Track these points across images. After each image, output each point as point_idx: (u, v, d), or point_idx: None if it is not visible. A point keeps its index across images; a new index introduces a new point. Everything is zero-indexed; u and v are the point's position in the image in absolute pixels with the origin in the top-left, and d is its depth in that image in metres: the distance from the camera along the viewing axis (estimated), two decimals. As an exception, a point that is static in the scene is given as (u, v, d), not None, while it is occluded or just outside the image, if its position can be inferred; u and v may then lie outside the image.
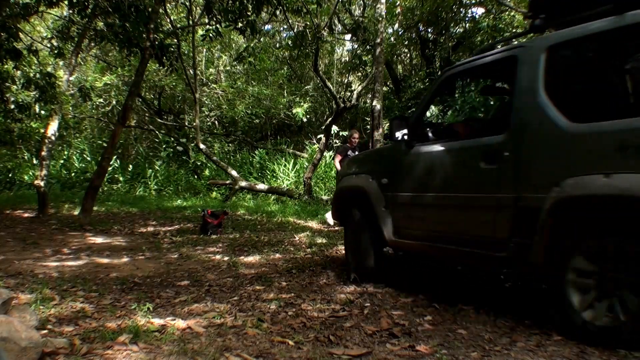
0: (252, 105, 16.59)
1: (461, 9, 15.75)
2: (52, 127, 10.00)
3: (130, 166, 15.47)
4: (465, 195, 3.36)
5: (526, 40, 3.30)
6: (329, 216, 7.92)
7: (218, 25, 8.96)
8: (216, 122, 17.83)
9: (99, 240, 6.72)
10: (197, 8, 12.81)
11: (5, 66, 9.09)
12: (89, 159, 15.39)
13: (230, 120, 17.71)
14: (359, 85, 17.02)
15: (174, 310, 3.48)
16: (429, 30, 16.63)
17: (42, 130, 12.21)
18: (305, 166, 13.57)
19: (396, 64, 18.87)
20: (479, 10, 15.46)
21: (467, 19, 15.98)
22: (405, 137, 3.81)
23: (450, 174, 3.53)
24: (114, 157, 13.48)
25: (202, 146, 13.37)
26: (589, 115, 2.71)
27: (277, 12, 9.68)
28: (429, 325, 3.12)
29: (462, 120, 4.63)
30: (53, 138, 10.15)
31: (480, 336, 2.90)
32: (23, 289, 3.77)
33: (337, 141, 16.23)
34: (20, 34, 8.94)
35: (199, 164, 15.63)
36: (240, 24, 8.53)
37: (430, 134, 3.96)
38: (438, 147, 3.65)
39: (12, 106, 9.29)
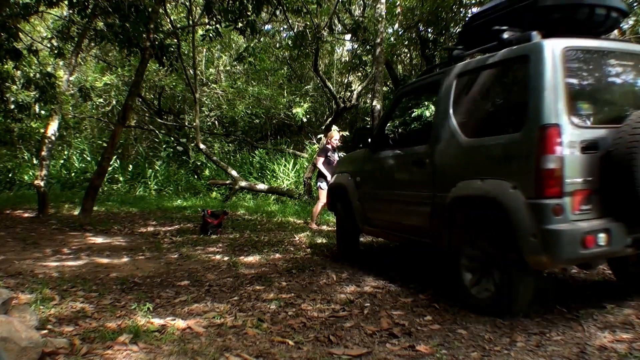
0: (252, 105, 16.58)
1: (461, 9, 15.74)
2: (52, 127, 10.00)
3: (130, 166, 15.46)
4: (403, 193, 4.21)
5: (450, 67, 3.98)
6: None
7: (218, 25, 8.96)
8: (216, 122, 17.82)
9: (99, 240, 6.72)
10: (197, 8, 12.81)
11: (5, 66, 9.10)
12: (89, 159, 15.38)
13: (230, 120, 17.71)
14: (359, 85, 17.02)
15: (174, 310, 3.48)
16: (429, 30, 16.61)
17: (42, 130, 12.22)
18: (305, 166, 13.55)
19: (396, 64, 18.86)
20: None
21: (467, 19, 15.96)
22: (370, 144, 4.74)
23: (395, 175, 4.46)
24: (114, 157, 13.48)
25: (202, 146, 13.36)
26: (476, 132, 3.51)
27: (277, 12, 9.69)
28: (429, 325, 3.12)
29: (406, 131, 5.77)
30: (53, 138, 10.15)
31: (480, 336, 2.90)
32: (23, 289, 3.77)
33: (337, 141, 16.23)
34: (20, 34, 8.95)
35: (199, 164, 15.62)
36: (240, 24, 8.53)
37: (389, 142, 4.78)
38: (389, 153, 4.53)
39: (12, 106, 9.30)
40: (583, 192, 2.98)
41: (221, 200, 12.75)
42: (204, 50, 16.88)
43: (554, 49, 3.08)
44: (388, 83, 17.69)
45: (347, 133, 16.49)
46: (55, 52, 9.34)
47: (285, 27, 16.52)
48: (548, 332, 2.91)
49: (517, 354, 2.62)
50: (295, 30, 12.12)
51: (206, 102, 16.97)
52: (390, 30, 16.32)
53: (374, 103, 10.27)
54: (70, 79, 11.32)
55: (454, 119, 3.66)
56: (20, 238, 6.59)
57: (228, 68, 18.32)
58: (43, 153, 9.86)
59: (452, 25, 16.17)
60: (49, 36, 10.24)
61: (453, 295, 3.59)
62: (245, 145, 17.27)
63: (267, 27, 15.84)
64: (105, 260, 5.30)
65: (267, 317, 3.33)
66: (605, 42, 3.41)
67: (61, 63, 11.91)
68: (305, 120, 15.82)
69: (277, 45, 17.06)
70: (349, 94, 17.00)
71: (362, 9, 14.14)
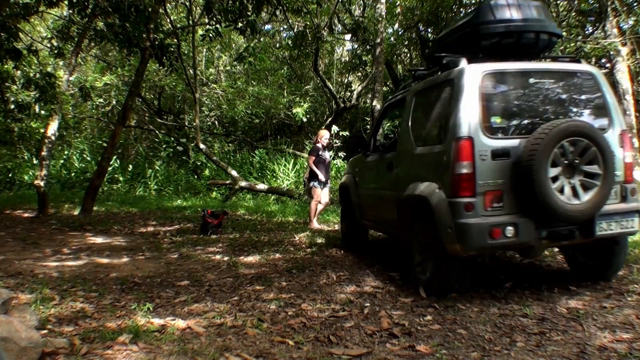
0: (252, 105, 16.58)
1: (461, 9, 15.74)
2: (52, 127, 10.00)
3: (130, 166, 15.46)
4: (382, 192, 4.88)
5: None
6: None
7: (218, 25, 8.96)
8: (216, 122, 17.82)
9: (99, 240, 6.72)
10: (197, 8, 12.82)
11: (5, 66, 9.09)
12: (89, 159, 15.38)
13: (230, 120, 17.70)
14: (359, 85, 17.03)
15: (174, 310, 3.48)
16: (429, 30, 16.61)
17: (42, 130, 12.22)
18: (305, 166, 13.56)
19: (396, 64, 18.85)
20: (479, 11, 15.44)
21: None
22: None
23: (377, 176, 5.12)
24: (114, 157, 13.48)
25: (202, 146, 13.36)
26: (422, 142, 4.17)
27: (277, 12, 9.70)
28: (429, 325, 3.12)
29: (386, 139, 6.55)
30: (53, 138, 10.15)
31: (480, 336, 2.90)
32: (23, 289, 3.77)
33: (338, 141, 16.23)
34: (20, 34, 8.95)
35: (199, 164, 15.62)
36: (240, 24, 8.53)
37: (377, 148, 5.43)
38: (375, 158, 5.25)
39: (12, 106, 9.29)
40: (494, 192, 3.54)
41: (221, 200, 12.75)
42: (204, 50, 16.88)
43: (473, 73, 3.70)
44: (388, 83, 17.69)
45: (347, 133, 16.52)
46: (55, 52, 9.34)
47: (285, 27, 16.53)
48: (548, 332, 2.92)
49: (517, 354, 2.62)
50: (295, 30, 12.12)
51: (206, 102, 16.97)
52: (390, 30, 16.32)
53: (374, 103, 10.27)
54: (70, 79, 11.32)
55: (411, 131, 4.37)
56: (20, 238, 6.59)
57: (228, 68, 18.32)
58: (43, 153, 9.86)
59: (452, 25, 16.13)
60: (49, 36, 10.24)
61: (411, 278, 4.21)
62: (245, 145, 17.27)
63: (267, 27, 15.84)
64: (105, 260, 5.30)
65: (267, 317, 3.33)
66: (522, 64, 3.91)
67: (61, 63, 11.93)
68: (305, 120, 15.82)
69: (277, 45, 17.06)
70: (349, 94, 17.00)
71: (362, 9, 14.14)
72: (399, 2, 15.53)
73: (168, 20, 11.80)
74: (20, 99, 9.55)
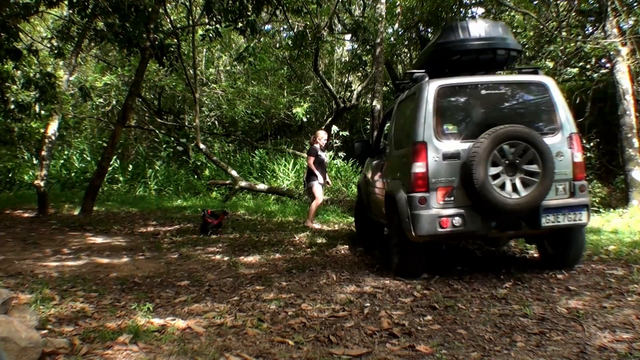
0: (252, 105, 16.58)
1: (461, 9, 15.73)
2: (52, 127, 10.00)
3: (130, 166, 15.45)
4: (379, 189, 5.44)
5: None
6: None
7: (218, 25, 8.95)
8: (216, 122, 17.81)
9: (99, 240, 6.72)
10: (197, 8, 12.81)
11: (5, 66, 9.09)
12: (89, 159, 15.37)
13: (230, 120, 17.70)
14: (359, 85, 17.02)
15: (174, 310, 3.48)
16: (429, 30, 16.61)
17: (42, 130, 12.21)
18: (305, 166, 13.56)
19: (396, 64, 18.84)
20: (479, 10, 15.45)
21: (467, 19, 15.97)
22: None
23: (377, 175, 5.69)
24: (114, 157, 13.47)
25: (202, 146, 13.36)
26: (397, 147, 4.83)
27: (277, 12, 9.69)
28: (429, 325, 3.12)
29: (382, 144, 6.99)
30: (53, 138, 10.15)
31: (480, 336, 2.90)
32: (23, 289, 3.76)
33: (337, 141, 16.22)
34: (20, 34, 8.94)
35: (199, 164, 15.61)
36: (240, 24, 8.52)
37: (378, 151, 6.00)
38: (376, 160, 5.90)
39: (12, 106, 9.29)
40: (446, 188, 4.17)
41: (221, 200, 12.75)
42: (204, 50, 16.88)
43: (430, 87, 4.34)
44: (388, 83, 17.67)
45: (347, 133, 16.51)
46: (55, 52, 9.33)
47: (285, 27, 16.52)
48: (548, 332, 2.91)
49: (517, 354, 2.62)
50: (295, 30, 12.11)
51: (206, 102, 16.96)
52: (390, 30, 16.32)
53: (374, 103, 10.26)
54: (70, 79, 11.32)
55: (393, 136, 5.08)
56: (20, 238, 6.59)
57: (228, 68, 18.31)
58: (43, 153, 9.86)
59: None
60: (49, 36, 10.23)
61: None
62: (245, 145, 17.26)
63: (267, 27, 15.83)
64: (105, 260, 5.30)
65: (267, 317, 3.33)
66: (474, 78, 4.54)
67: (61, 63, 11.91)
68: (305, 120, 15.82)
69: (277, 45, 17.05)
70: (349, 94, 16.99)
71: (362, 9, 14.14)
72: (399, 2, 15.52)
73: (168, 20, 11.79)
74: (20, 99, 9.54)
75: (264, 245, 6.30)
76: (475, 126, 4.28)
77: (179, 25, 12.94)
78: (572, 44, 11.61)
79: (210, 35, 8.97)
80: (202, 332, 2.99)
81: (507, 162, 4.04)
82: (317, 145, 8.10)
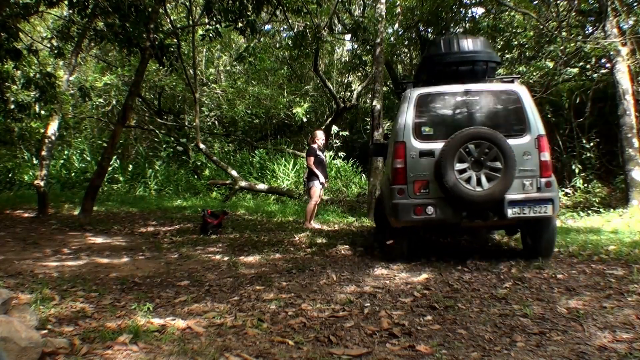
0: (252, 105, 16.58)
1: (461, 9, 15.73)
2: (52, 127, 9.99)
3: (130, 166, 15.45)
4: (384, 187, 5.82)
5: None
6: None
7: (218, 25, 8.95)
8: (216, 122, 17.81)
9: (99, 240, 6.72)
10: (197, 8, 12.81)
11: (5, 66, 9.09)
12: (89, 159, 15.37)
13: (230, 120, 17.70)
14: (359, 85, 17.01)
15: (174, 310, 3.48)
16: (429, 30, 16.60)
17: (42, 130, 12.21)
18: (305, 166, 13.56)
19: (396, 64, 18.84)
20: (479, 10, 15.45)
21: (467, 19, 15.97)
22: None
23: (384, 176, 6.53)
24: (114, 157, 13.47)
25: (202, 146, 13.35)
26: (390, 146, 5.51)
27: (277, 12, 9.69)
28: (429, 325, 3.12)
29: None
30: (53, 138, 10.15)
31: (480, 336, 2.90)
32: (23, 289, 3.76)
33: (337, 141, 16.23)
34: (20, 34, 8.94)
35: (199, 164, 15.61)
36: (240, 24, 8.52)
37: None
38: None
39: (12, 106, 9.29)
40: (421, 182, 4.85)
41: (221, 200, 12.75)
42: (204, 50, 16.87)
43: (411, 95, 5.07)
44: (388, 83, 17.67)
45: (347, 133, 16.51)
46: (55, 52, 9.33)
47: (285, 27, 16.52)
48: (548, 332, 2.91)
49: (517, 354, 2.62)
50: (295, 30, 12.11)
51: (206, 102, 16.96)
52: (390, 30, 16.31)
53: (374, 103, 10.25)
54: (70, 79, 11.31)
55: (390, 137, 5.72)
56: (20, 238, 6.59)
57: (228, 68, 18.31)
58: (43, 153, 9.85)
59: (452, 25, 16.15)
60: (49, 36, 10.22)
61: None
62: (245, 145, 17.26)
63: (267, 27, 15.83)
64: (105, 260, 5.30)
65: (267, 317, 3.33)
66: (451, 87, 5.10)
67: (61, 63, 11.92)
68: (305, 120, 15.82)
69: (277, 45, 17.05)
70: (349, 94, 16.99)
71: (362, 9, 14.13)
72: (399, 2, 15.52)
73: (168, 20, 11.79)
74: (20, 99, 9.53)
75: (264, 245, 6.30)
76: (449, 128, 4.89)
77: (179, 25, 12.94)
78: (572, 44, 11.60)
79: (210, 35, 8.97)
80: (202, 332, 2.99)
81: (473, 159, 4.66)
82: (315, 146, 8.12)
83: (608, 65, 11.01)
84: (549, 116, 12.37)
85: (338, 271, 4.75)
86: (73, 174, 14.98)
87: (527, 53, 13.74)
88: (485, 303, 3.56)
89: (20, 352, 2.25)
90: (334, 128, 15.67)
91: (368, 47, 14.14)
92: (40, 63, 10.38)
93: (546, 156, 4.83)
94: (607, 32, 9.91)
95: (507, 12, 13.48)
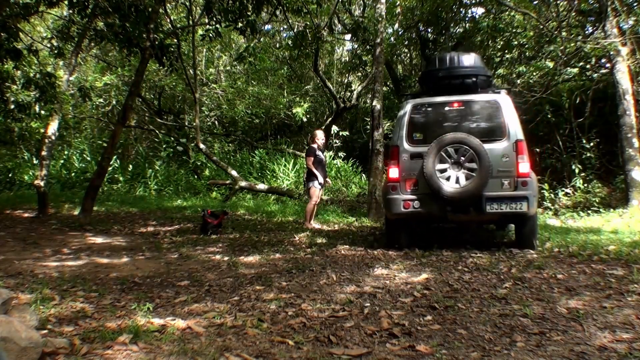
0: (252, 105, 16.57)
1: (461, 9, 15.73)
2: (52, 127, 9.99)
3: (130, 166, 15.45)
4: (383, 184, 6.60)
5: None
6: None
7: (218, 25, 8.95)
8: (216, 122, 17.81)
9: (99, 240, 6.72)
10: (197, 8, 12.81)
11: (5, 66, 9.09)
12: (89, 159, 15.37)
13: (230, 120, 17.70)
14: (359, 85, 17.01)
15: (174, 310, 3.48)
16: (429, 30, 16.60)
17: (42, 130, 12.21)
18: (305, 166, 13.56)
19: (396, 64, 18.85)
20: (479, 10, 15.45)
21: (467, 19, 15.97)
22: None
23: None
24: (114, 157, 13.47)
25: (202, 146, 13.35)
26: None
27: (277, 12, 9.68)
28: (429, 325, 3.12)
29: None
30: (53, 138, 10.15)
31: (480, 336, 2.90)
32: (23, 289, 3.76)
33: (337, 141, 16.22)
34: (20, 34, 8.94)
35: (199, 164, 15.61)
36: (240, 24, 8.52)
37: None
38: None
39: (12, 106, 9.29)
40: (412, 180, 5.60)
41: (221, 200, 12.75)
42: (204, 50, 16.87)
43: (407, 104, 5.87)
44: (388, 83, 17.67)
45: (347, 133, 16.51)
46: (55, 52, 9.33)
47: (285, 27, 16.52)
48: (548, 332, 2.91)
49: (517, 354, 2.62)
50: (295, 30, 12.11)
51: (206, 102, 16.96)
52: (390, 30, 16.31)
53: (374, 103, 10.25)
54: (70, 79, 11.31)
55: None
56: (20, 238, 6.59)
57: (228, 68, 18.31)
58: (43, 153, 9.85)
59: (452, 25, 16.16)
60: (49, 36, 10.23)
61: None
62: (245, 145, 17.26)
63: (267, 27, 15.83)
64: (105, 260, 5.30)
65: (267, 317, 3.33)
66: (441, 98, 5.80)
67: (61, 63, 11.91)
68: (305, 120, 15.82)
69: (277, 45, 17.05)
70: (349, 94, 16.99)
71: (362, 9, 14.13)
72: (399, 2, 15.52)
73: (168, 20, 11.79)
74: (20, 99, 9.53)
75: (264, 245, 6.30)
76: (436, 134, 5.55)
77: (179, 25, 12.94)
78: (572, 44, 11.60)
79: (210, 35, 8.97)
80: (202, 332, 2.99)
81: (452, 160, 5.38)
82: (314, 145, 8.12)
83: (608, 65, 11.01)
84: (549, 116, 12.38)
85: (338, 271, 4.75)
86: (73, 174, 14.98)
87: (527, 53, 13.74)
88: (485, 303, 3.56)
89: (20, 352, 2.25)
90: (334, 128, 15.67)
91: (368, 47, 14.15)
92: (40, 63, 10.38)
93: (523, 158, 5.39)
94: (607, 32, 9.91)
95: (507, 12, 13.48)
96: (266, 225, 8.27)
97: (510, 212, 5.31)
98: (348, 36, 16.19)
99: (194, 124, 13.40)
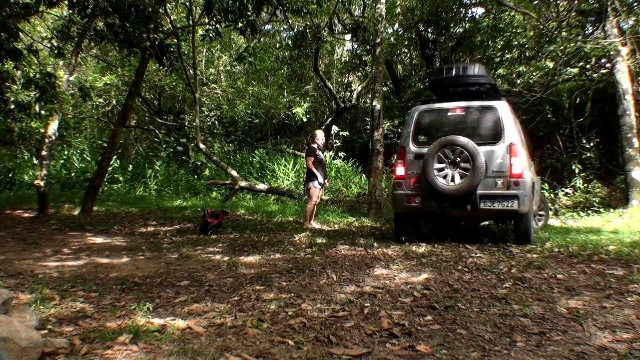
0: (252, 105, 16.57)
1: (461, 9, 15.74)
2: (52, 127, 9.99)
3: (130, 166, 15.45)
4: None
5: None
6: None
7: (218, 25, 8.95)
8: (216, 122, 17.81)
9: (99, 240, 6.72)
10: (197, 8, 12.81)
11: (5, 66, 9.09)
12: (89, 159, 15.37)
13: (230, 120, 17.70)
14: (359, 85, 17.01)
15: (174, 310, 3.48)
16: (429, 30, 16.61)
17: (42, 130, 12.21)
18: (305, 166, 13.55)
19: (396, 64, 18.86)
20: (479, 10, 15.46)
21: (467, 19, 15.98)
22: None
23: None
24: (114, 157, 13.47)
25: (202, 146, 13.35)
26: None
27: (277, 12, 9.68)
28: (429, 325, 3.12)
29: None
30: (53, 138, 10.15)
31: (480, 336, 2.90)
32: (23, 289, 3.76)
33: (337, 141, 16.22)
34: (20, 34, 8.94)
35: (199, 164, 15.61)
36: (240, 24, 8.52)
37: None
38: None
39: (12, 106, 9.29)
40: (415, 177, 6.14)
41: (221, 200, 12.75)
42: (204, 50, 16.87)
43: (414, 110, 6.51)
44: (388, 83, 17.68)
45: (347, 133, 16.51)
46: (55, 52, 9.33)
47: (285, 27, 16.52)
48: (548, 332, 2.91)
49: (517, 354, 2.62)
50: (295, 30, 12.11)
51: (206, 102, 16.96)
52: (390, 30, 16.31)
53: (374, 103, 10.25)
54: (70, 79, 11.31)
55: None
56: (20, 238, 6.59)
57: (228, 68, 18.30)
58: (43, 153, 9.85)
59: (452, 25, 16.16)
60: (49, 36, 10.22)
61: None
62: (245, 145, 17.26)
63: (267, 27, 15.82)
64: (105, 260, 5.30)
65: (267, 317, 3.33)
66: (445, 104, 6.36)
67: (61, 63, 11.90)
68: (305, 120, 15.82)
69: (277, 45, 17.04)
70: (349, 94, 16.99)
71: (362, 9, 14.13)
72: (399, 2, 15.52)
73: (168, 20, 11.79)
74: (20, 98, 9.53)
75: (264, 245, 6.30)
76: (438, 137, 6.02)
77: (179, 25, 12.93)
78: (572, 44, 11.60)
79: (210, 35, 8.97)
80: (202, 332, 2.99)
81: (449, 160, 5.85)
82: (314, 145, 8.12)
83: (608, 65, 11.01)
84: (549, 116, 12.38)
85: (338, 271, 4.75)
86: (73, 174, 14.99)
87: (527, 53, 13.74)
88: (485, 303, 3.56)
89: (20, 352, 2.25)
90: (334, 128, 15.67)
91: (368, 47, 14.16)
92: (40, 63, 10.38)
93: (516, 160, 5.82)
94: (607, 32, 9.91)
95: (507, 12, 13.48)
96: (266, 225, 8.27)
97: (502, 209, 5.77)
98: (348, 36, 16.19)
99: (194, 124, 13.40)
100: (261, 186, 13.04)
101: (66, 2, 8.59)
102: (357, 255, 5.59)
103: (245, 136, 17.75)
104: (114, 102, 16.21)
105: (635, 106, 9.84)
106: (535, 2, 12.99)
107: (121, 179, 14.71)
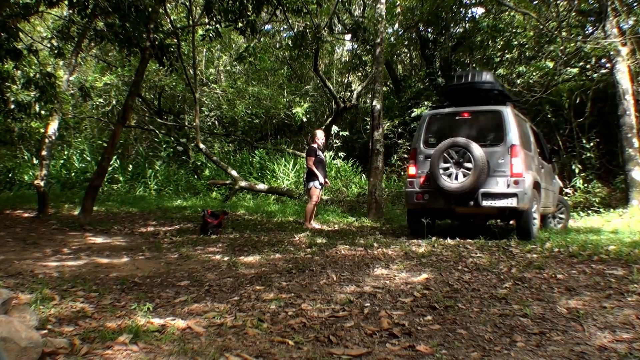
0: (252, 105, 16.58)
1: (461, 9, 15.73)
2: (52, 127, 10.00)
3: (130, 166, 15.46)
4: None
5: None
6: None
7: (218, 25, 8.95)
8: (216, 122, 17.82)
9: (99, 240, 6.72)
10: (197, 8, 12.81)
11: (5, 66, 9.09)
12: (89, 159, 15.38)
13: (230, 120, 17.71)
14: (359, 85, 17.02)
15: (174, 310, 3.47)
16: (429, 30, 16.61)
17: (42, 130, 12.22)
18: (305, 166, 13.55)
19: (396, 64, 18.86)
20: (479, 10, 15.46)
21: (467, 19, 15.97)
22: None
23: None
24: (114, 157, 13.47)
25: (202, 146, 13.36)
26: None
27: (277, 12, 9.68)
28: (429, 325, 3.12)
29: None
30: (53, 138, 10.15)
31: (480, 336, 2.90)
32: (23, 289, 3.76)
33: (337, 141, 16.23)
34: (20, 34, 8.94)
35: (199, 164, 15.62)
36: (240, 24, 8.52)
37: None
38: None
39: (12, 106, 9.29)
40: (425, 177, 6.63)
41: (221, 200, 12.75)
42: (204, 50, 16.88)
43: (426, 114, 7.23)
44: (388, 83, 17.68)
45: (347, 133, 16.51)
46: (55, 52, 9.33)
47: (285, 27, 16.52)
48: (548, 332, 2.91)
49: (517, 354, 2.61)
50: (295, 30, 12.11)
51: (206, 102, 16.96)
52: (390, 30, 16.31)
53: (374, 103, 10.26)
54: (70, 79, 11.31)
55: None
56: (20, 238, 6.59)
57: (228, 68, 18.31)
58: (43, 153, 9.86)
59: (452, 25, 16.16)
60: (49, 36, 10.23)
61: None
62: (245, 145, 17.26)
63: (267, 27, 15.83)
64: (105, 260, 5.30)
65: (267, 317, 3.33)
66: (453, 108, 6.88)
67: (61, 63, 11.91)
68: (305, 120, 15.82)
69: (277, 45, 17.05)
70: (349, 94, 17.00)
71: (362, 9, 14.14)
72: (399, 2, 15.52)
73: (168, 20, 11.79)
74: (20, 98, 9.53)
75: (264, 245, 6.30)
76: (446, 139, 6.41)
77: (179, 25, 12.94)
78: (572, 44, 11.60)
79: (210, 35, 8.97)
80: (202, 332, 2.99)
81: (454, 160, 6.28)
82: (315, 145, 8.12)
83: (608, 65, 11.01)
84: (549, 116, 12.38)
85: (338, 271, 4.74)
86: (73, 174, 14.99)
87: (527, 53, 13.74)
88: (485, 303, 3.56)
89: (20, 352, 2.25)
90: (334, 128, 15.67)
91: (368, 47, 14.16)
92: (40, 63, 10.38)
93: (516, 161, 6.19)
94: (607, 32, 9.91)
95: (507, 12, 13.48)
96: (266, 225, 8.27)
97: (502, 206, 6.18)
98: (348, 36, 16.20)
99: (194, 124, 13.40)
100: (261, 186, 13.04)
101: (66, 2, 8.59)
102: (357, 255, 5.59)
103: (245, 136, 17.75)
104: (114, 102, 16.21)
105: (635, 106, 9.83)
106: (535, 2, 12.99)
107: (121, 179, 14.72)
